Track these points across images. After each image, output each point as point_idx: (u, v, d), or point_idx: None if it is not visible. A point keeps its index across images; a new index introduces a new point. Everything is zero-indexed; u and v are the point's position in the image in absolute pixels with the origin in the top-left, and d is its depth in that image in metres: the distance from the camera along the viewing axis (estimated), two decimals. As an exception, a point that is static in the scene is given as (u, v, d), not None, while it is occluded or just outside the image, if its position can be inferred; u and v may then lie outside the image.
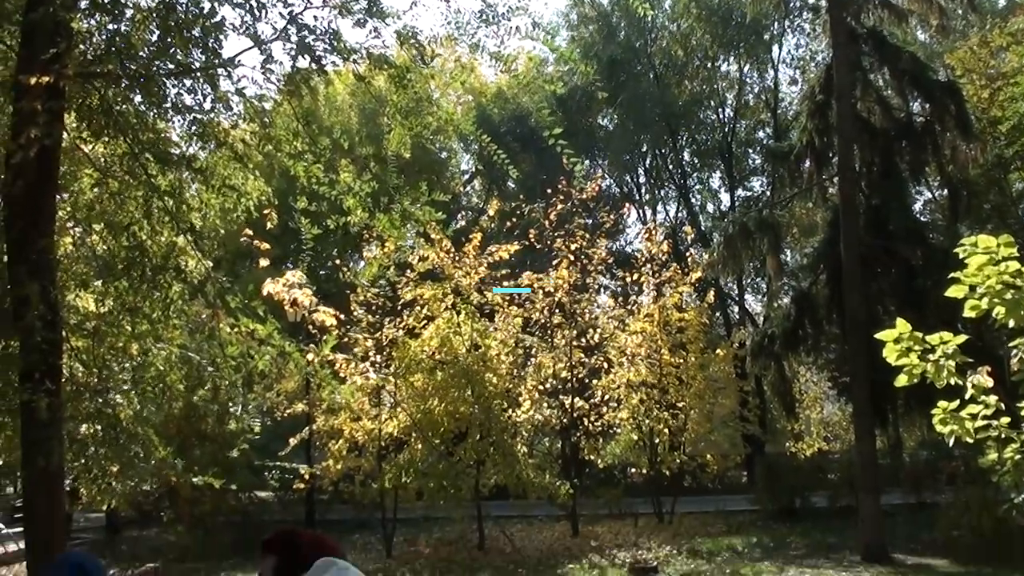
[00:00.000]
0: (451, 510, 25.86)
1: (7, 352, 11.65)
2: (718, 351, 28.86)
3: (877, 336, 7.60)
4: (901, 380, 7.51)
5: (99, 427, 12.30)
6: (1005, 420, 7.25)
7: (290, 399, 27.58)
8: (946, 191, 28.69)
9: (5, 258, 11.11)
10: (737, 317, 44.86)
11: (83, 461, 13.59)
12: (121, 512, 27.13)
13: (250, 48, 10.40)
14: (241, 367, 12.16)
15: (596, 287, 29.52)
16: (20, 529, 25.64)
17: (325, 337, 11.78)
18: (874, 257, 23.87)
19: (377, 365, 24.70)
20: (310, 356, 12.19)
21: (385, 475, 25.05)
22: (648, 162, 47.53)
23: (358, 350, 24.62)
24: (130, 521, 29.92)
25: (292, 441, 26.38)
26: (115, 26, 10.62)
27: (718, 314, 41.16)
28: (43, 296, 9.99)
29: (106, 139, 11.13)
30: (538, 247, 27.87)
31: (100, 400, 12.08)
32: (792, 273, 35.08)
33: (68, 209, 12.40)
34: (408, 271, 24.54)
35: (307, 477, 26.33)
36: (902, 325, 7.41)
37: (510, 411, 25.30)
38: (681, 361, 27.46)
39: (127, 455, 12.63)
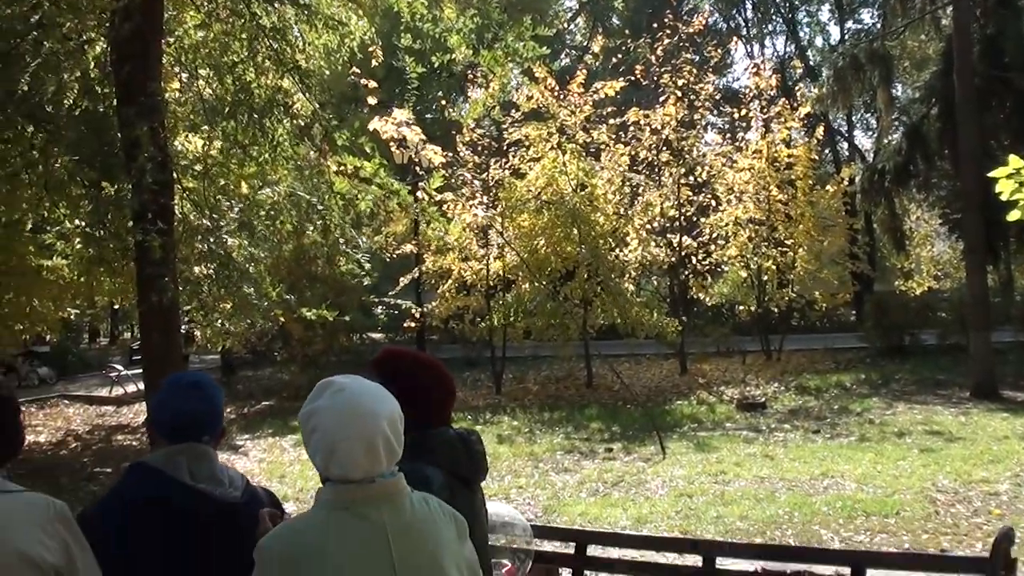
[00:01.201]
0: (559, 348, 26.07)
1: (120, 194, 11.84)
2: (827, 187, 28.23)
3: (990, 173, 7.32)
4: (1014, 215, 7.25)
5: (212, 267, 12.50)
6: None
7: (399, 240, 27.81)
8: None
9: (115, 101, 11.18)
10: (846, 153, 43.82)
11: (197, 302, 13.89)
12: (235, 353, 27.81)
13: None
14: (349, 207, 12.21)
15: (703, 124, 28.89)
16: (139, 371, 26.57)
17: (432, 176, 11.73)
18: (988, 89, 22.91)
19: (484, 206, 24.72)
20: (418, 195, 12.16)
21: (494, 314, 25.30)
22: (755, -5, 46.05)
23: (465, 191, 24.64)
24: (244, 362, 30.71)
25: (402, 281, 26.70)
26: None
27: (827, 150, 40.19)
28: (152, 138, 10.07)
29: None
30: (644, 84, 27.35)
31: (212, 240, 12.23)
32: (903, 107, 34.01)
33: (174, 53, 12.38)
34: (513, 111, 24.30)
35: (417, 316, 26.70)
36: (1015, 161, 7.11)
37: (617, 250, 25.20)
38: (789, 198, 26.95)
39: (240, 294, 12.83)
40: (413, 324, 27.45)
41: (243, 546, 3.14)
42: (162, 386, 3.58)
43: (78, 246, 15.95)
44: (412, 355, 3.91)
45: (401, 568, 2.80)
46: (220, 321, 15.47)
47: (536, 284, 24.44)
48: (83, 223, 14.26)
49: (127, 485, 3.37)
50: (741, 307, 29.02)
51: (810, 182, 27.46)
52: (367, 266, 17.77)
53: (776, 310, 28.06)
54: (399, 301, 28.76)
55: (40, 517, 3.03)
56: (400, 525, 2.86)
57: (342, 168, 11.41)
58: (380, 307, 30.54)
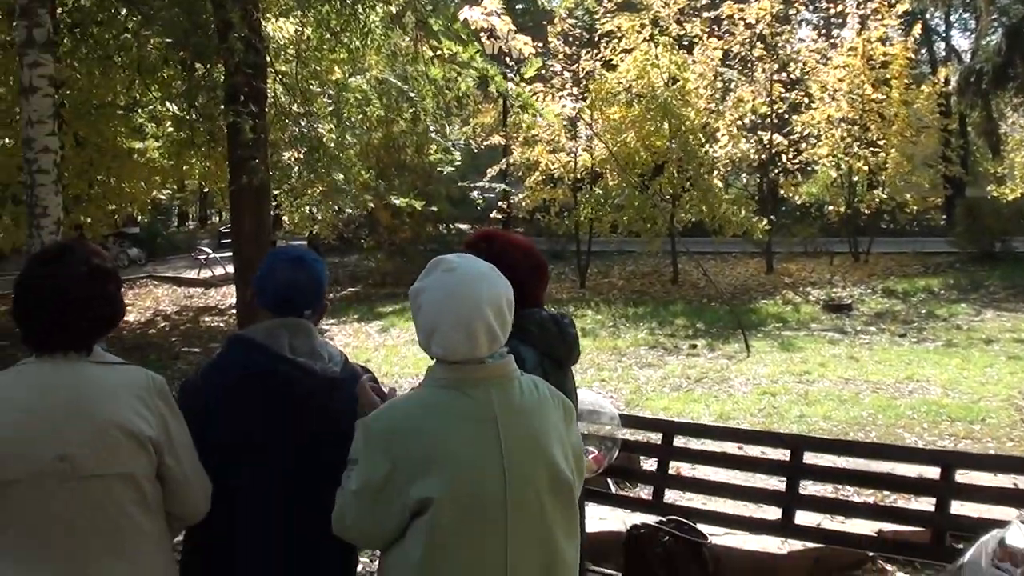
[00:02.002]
0: (645, 244, 25.89)
1: (213, 76, 11.89)
2: (922, 88, 27.47)
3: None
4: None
5: (302, 152, 12.54)
6: None
7: (487, 132, 27.69)
8: None
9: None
10: (943, 54, 42.51)
11: (287, 187, 13.99)
12: (323, 239, 28.02)
13: None
14: (442, 94, 12.13)
15: (798, 20, 28.20)
16: (227, 254, 26.92)
17: (525, 64, 11.59)
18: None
19: (573, 97, 24.47)
20: (509, 85, 12.04)
21: (580, 207, 25.19)
22: None
23: (555, 82, 24.39)
24: (331, 248, 30.93)
25: (489, 172, 26.64)
26: None
27: (923, 50, 38.97)
28: (246, 20, 10.06)
29: None
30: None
31: (303, 124, 12.26)
32: (1003, 7, 32.77)
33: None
34: (606, 1, 23.90)
35: (505, 205, 26.65)
36: None
37: (707, 146, 24.84)
38: (884, 97, 26.26)
39: (329, 180, 12.88)
40: (499, 215, 27.45)
41: (340, 422, 3.19)
42: (265, 259, 3.58)
43: (169, 129, 16.11)
44: (505, 236, 3.91)
45: (508, 449, 2.82)
46: (308, 206, 15.59)
47: (625, 177, 24.23)
48: (175, 106, 14.38)
49: (226, 357, 3.39)
50: (830, 207, 28.53)
51: (905, 82, 26.71)
52: (456, 156, 17.86)
53: (865, 212, 27.53)
54: (491, 185, 28.61)
55: (138, 389, 3.07)
56: (508, 406, 2.87)
57: (438, 53, 11.31)
58: (469, 196, 30.53)
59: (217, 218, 42.73)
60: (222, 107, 10.87)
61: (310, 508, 3.24)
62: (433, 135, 18.20)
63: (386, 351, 15.98)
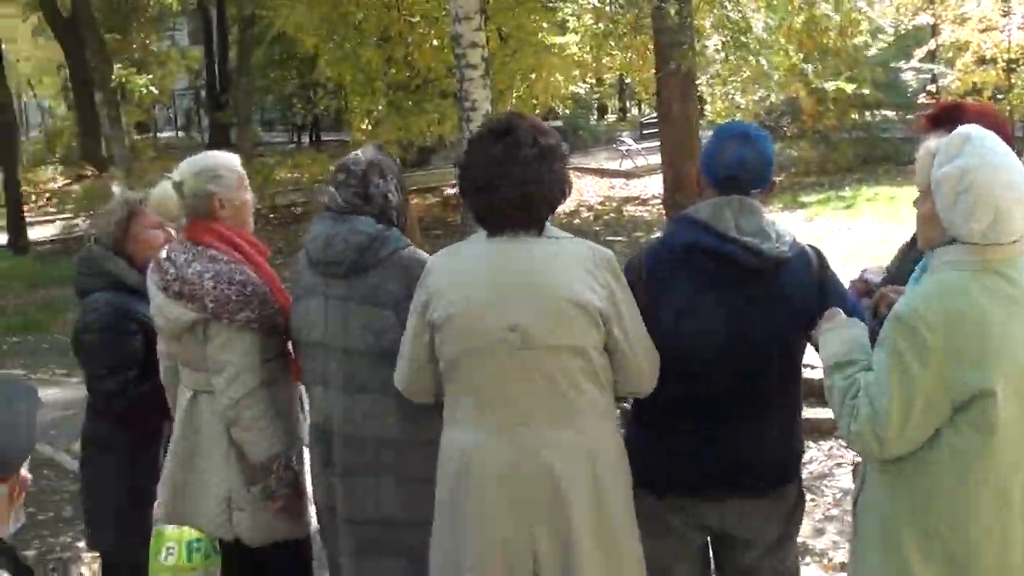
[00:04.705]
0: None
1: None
2: None
3: None
4: None
5: (727, 36, 12.26)
6: None
7: (913, 11, 26.16)
8: None
9: None
10: None
11: (711, 73, 13.75)
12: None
13: None
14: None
15: None
16: (649, 145, 27.02)
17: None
18: None
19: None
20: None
21: (1015, 90, 23.37)
22: None
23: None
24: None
25: (917, 53, 25.19)
26: None
27: None
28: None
29: None
30: None
31: (729, 7, 11.95)
32: None
33: None
34: None
35: (934, 82, 25.25)
36: None
37: None
38: None
39: (757, 64, 12.53)
40: (927, 99, 25.97)
41: (785, 302, 3.24)
42: (712, 136, 3.51)
43: (589, 21, 16.24)
44: (968, 106, 3.75)
45: None
46: (731, 93, 15.32)
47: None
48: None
49: (672, 234, 3.42)
50: None
51: None
52: (886, 37, 16.88)
53: None
54: (920, 66, 27.07)
55: (587, 262, 3.12)
56: None
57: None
58: (896, 80, 29.06)
59: (636, 110, 43.03)
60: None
61: (752, 386, 3.27)
62: (858, 15, 17.34)
63: (812, 242, 15.56)
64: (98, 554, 3.13)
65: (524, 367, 3.06)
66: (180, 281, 3.65)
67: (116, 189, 4.59)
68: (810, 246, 3.44)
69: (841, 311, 3.07)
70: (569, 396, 3.07)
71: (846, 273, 3.57)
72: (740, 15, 11.89)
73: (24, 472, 2.29)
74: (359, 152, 3.74)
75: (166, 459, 3.95)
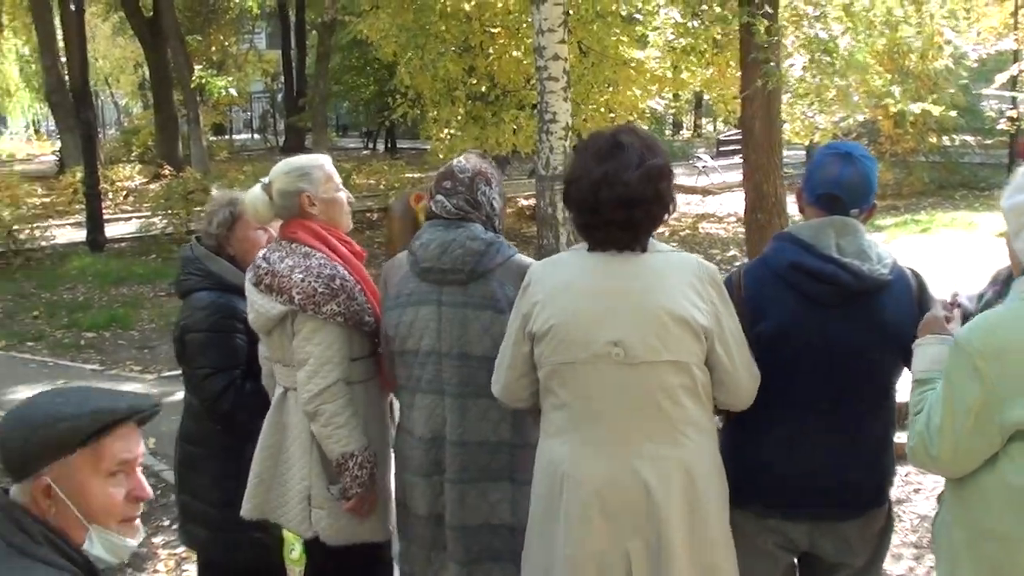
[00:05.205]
0: None
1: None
2: None
3: None
4: None
5: (812, 54, 12.17)
6: None
7: (996, 36, 25.79)
8: None
9: None
10: None
11: (792, 93, 13.64)
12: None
13: None
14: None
15: None
16: (725, 162, 26.93)
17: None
18: None
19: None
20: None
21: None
22: None
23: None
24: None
25: (998, 79, 24.85)
26: None
27: None
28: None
29: None
30: None
31: (818, 26, 11.86)
32: None
33: None
34: None
35: (1014, 116, 24.84)
36: None
37: None
38: None
39: (843, 84, 12.44)
40: (1008, 127, 25.58)
41: (884, 324, 3.22)
42: (814, 155, 3.51)
43: (670, 37, 16.21)
44: None
45: None
46: (810, 114, 15.17)
47: None
48: (678, 11, 14.41)
49: (773, 252, 3.38)
50: None
51: None
52: (968, 62, 16.66)
53: None
54: (1001, 94, 26.68)
55: (691, 276, 3.11)
56: None
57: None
58: (975, 106, 28.65)
59: (712, 127, 42.90)
60: (737, 8, 10.73)
61: (848, 407, 3.27)
62: (940, 40, 17.15)
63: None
64: (191, 551, 3.17)
65: (624, 382, 3.05)
66: (271, 275, 3.73)
67: (216, 191, 4.65)
68: (910, 269, 3.43)
69: (939, 318, 3.04)
70: (668, 411, 3.07)
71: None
72: (827, 35, 11.79)
73: (144, 487, 2.27)
74: (462, 159, 3.77)
75: (255, 455, 4.00)
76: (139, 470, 2.27)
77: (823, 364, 3.23)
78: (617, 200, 3.04)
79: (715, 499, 3.17)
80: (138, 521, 2.30)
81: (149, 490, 2.29)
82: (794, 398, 3.27)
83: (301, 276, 3.67)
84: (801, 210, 3.48)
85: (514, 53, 17.42)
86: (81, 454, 2.14)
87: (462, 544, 3.59)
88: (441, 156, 17.96)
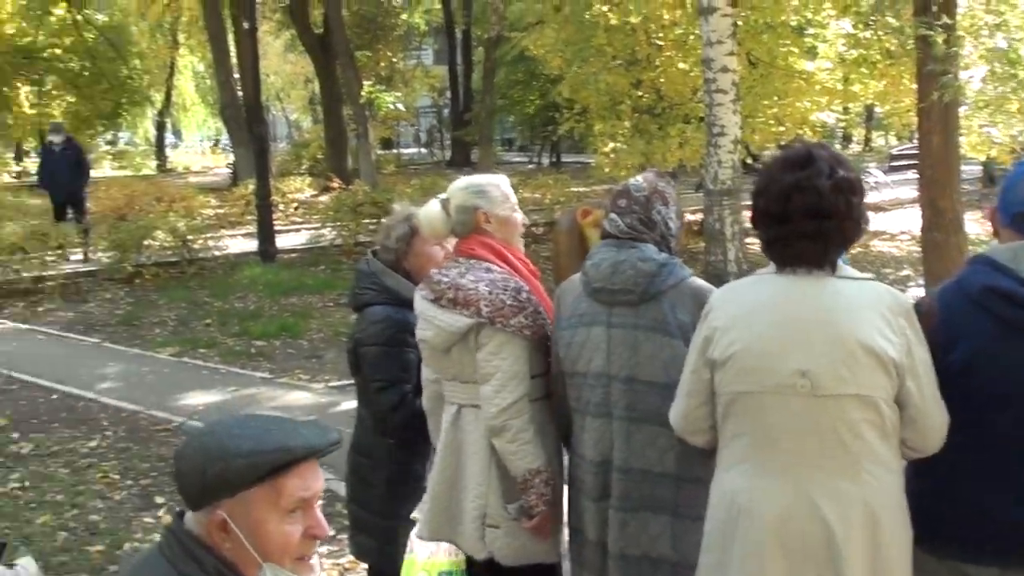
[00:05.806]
0: None
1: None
2: None
3: None
4: None
5: (995, 66, 11.72)
6: None
7: None
8: None
9: None
10: None
11: (969, 105, 13.16)
12: (998, 165, 26.37)
13: None
14: None
15: None
16: (897, 177, 26.17)
17: None
18: None
19: None
20: None
21: None
22: None
23: None
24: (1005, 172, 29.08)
25: None
26: None
27: None
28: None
29: None
30: None
31: (999, 35, 11.41)
32: None
33: None
34: None
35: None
36: None
37: None
38: None
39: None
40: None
41: None
42: (1011, 172, 3.28)
43: (841, 48, 15.87)
44: None
45: None
46: (988, 127, 14.63)
47: None
48: (850, 22, 14.07)
49: (967, 276, 3.14)
50: None
51: None
52: None
53: None
54: None
55: (883, 307, 2.94)
56: None
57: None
58: None
59: (883, 140, 41.81)
60: (912, 19, 10.40)
61: None
62: None
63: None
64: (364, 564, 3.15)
65: (808, 414, 2.91)
66: (454, 288, 3.69)
67: (397, 206, 4.68)
68: None
69: None
70: (852, 447, 2.91)
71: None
72: (1008, 44, 11.32)
73: (322, 524, 2.18)
74: (639, 178, 3.70)
75: (429, 475, 4.00)
76: (318, 506, 2.20)
77: (1020, 394, 2.99)
78: (808, 209, 2.92)
79: (898, 541, 3.01)
80: (315, 559, 2.23)
81: (326, 527, 2.22)
82: (986, 432, 3.05)
83: (487, 289, 3.64)
84: (995, 233, 3.23)
85: (680, 65, 17.27)
86: (259, 490, 2.07)
87: (622, 573, 3.51)
88: (607, 170, 17.91)
